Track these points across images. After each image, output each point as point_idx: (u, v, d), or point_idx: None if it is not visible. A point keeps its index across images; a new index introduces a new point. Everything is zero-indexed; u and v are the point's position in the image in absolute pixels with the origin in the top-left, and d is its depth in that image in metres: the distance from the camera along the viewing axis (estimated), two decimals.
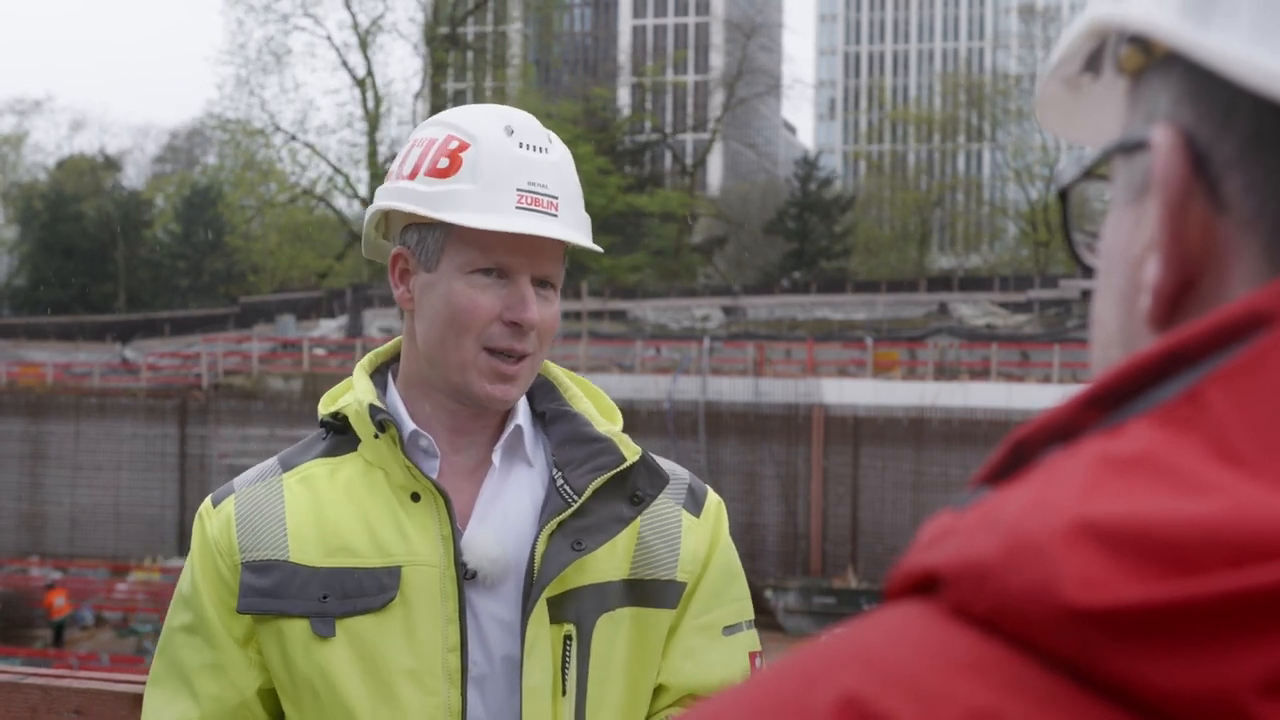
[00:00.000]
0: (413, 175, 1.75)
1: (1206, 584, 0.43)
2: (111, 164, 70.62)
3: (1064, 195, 0.62)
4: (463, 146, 1.73)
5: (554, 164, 1.75)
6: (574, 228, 1.74)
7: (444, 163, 1.73)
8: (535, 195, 1.71)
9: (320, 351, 36.54)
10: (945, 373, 32.76)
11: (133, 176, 74.59)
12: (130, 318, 56.04)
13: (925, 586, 0.50)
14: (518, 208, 1.70)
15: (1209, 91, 0.52)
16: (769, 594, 25.34)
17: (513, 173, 1.71)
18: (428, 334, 1.75)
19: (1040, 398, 26.08)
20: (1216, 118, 0.52)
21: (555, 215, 1.72)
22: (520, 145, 1.73)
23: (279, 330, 43.95)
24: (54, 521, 31.41)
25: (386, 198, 1.77)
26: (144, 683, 2.23)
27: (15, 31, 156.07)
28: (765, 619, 24.85)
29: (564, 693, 1.71)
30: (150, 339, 49.30)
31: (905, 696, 0.46)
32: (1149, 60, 0.55)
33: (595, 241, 1.80)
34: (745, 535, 27.36)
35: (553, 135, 1.78)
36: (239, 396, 32.11)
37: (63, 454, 31.71)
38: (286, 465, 1.82)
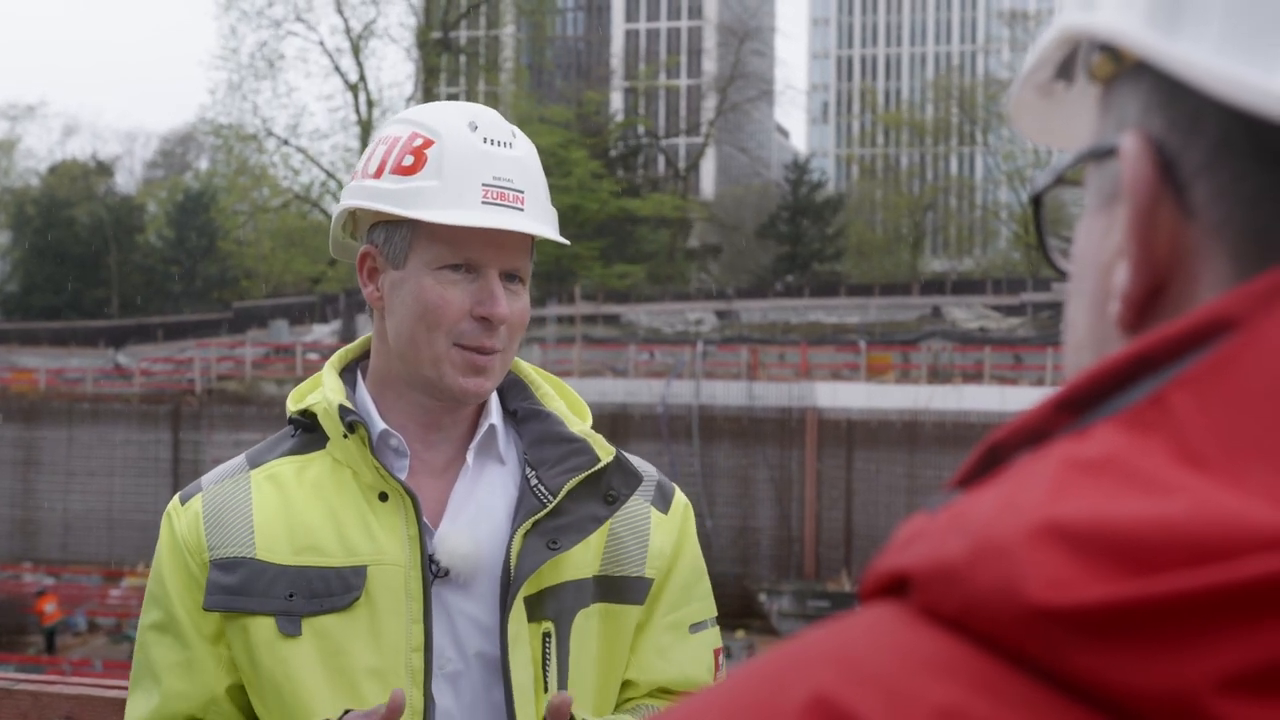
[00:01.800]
0: (378, 174, 1.76)
1: (1166, 583, 0.44)
2: (104, 169, 70.45)
3: (1038, 200, 0.63)
4: (427, 143, 1.74)
5: (518, 158, 1.75)
6: (540, 221, 1.75)
7: (409, 160, 1.73)
8: (501, 190, 1.72)
9: (314, 356, 36.49)
10: (939, 376, 32.81)
11: (125, 182, 74.48)
12: (123, 323, 55.92)
13: (897, 588, 0.51)
14: (483, 202, 1.70)
15: (1177, 99, 0.52)
16: (763, 597, 25.33)
17: (477, 168, 1.71)
18: (398, 331, 1.75)
19: (1033, 400, 26.06)
20: (1184, 125, 0.52)
21: (521, 209, 1.72)
22: (485, 140, 1.73)
23: (272, 335, 43.90)
24: (47, 527, 31.35)
25: (352, 197, 1.78)
26: None
27: (6, 34, 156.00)
28: (759, 622, 24.82)
29: (545, 689, 1.72)
30: (143, 344, 49.19)
31: (874, 696, 0.46)
32: (1119, 68, 0.56)
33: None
34: (739, 539, 27.36)
35: (517, 130, 1.79)
36: (232, 401, 32.08)
37: (55, 460, 31.65)
38: (254, 462, 1.82)
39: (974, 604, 0.47)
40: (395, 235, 1.74)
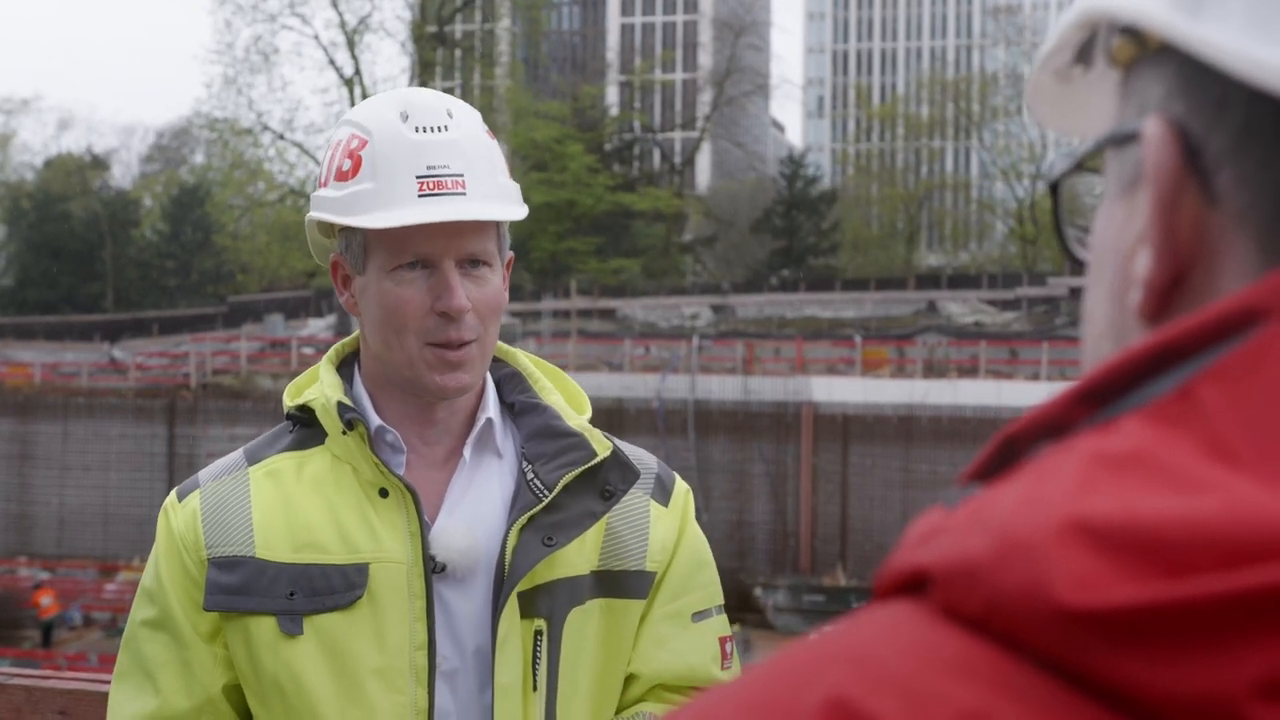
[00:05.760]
0: (325, 182, 1.75)
1: (1200, 585, 0.42)
2: (99, 163, 70.30)
3: (1055, 188, 0.62)
4: (361, 144, 1.71)
5: (454, 141, 1.70)
6: (487, 201, 1.69)
7: (346, 165, 1.72)
8: (437, 179, 1.67)
9: (309, 351, 36.48)
10: (934, 370, 32.83)
11: (120, 176, 74.26)
12: (118, 317, 55.88)
13: (915, 585, 0.50)
14: (420, 195, 1.66)
15: (1202, 84, 0.51)
16: (759, 592, 25.36)
17: (410, 161, 1.68)
18: (372, 336, 1.74)
19: (1029, 395, 26.13)
20: (1209, 110, 0.51)
21: (463, 193, 1.68)
22: (416, 129, 1.69)
23: (267, 329, 43.89)
24: (42, 522, 31.33)
25: (312, 207, 1.77)
26: None
27: (1, 29, 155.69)
28: (755, 617, 24.84)
29: (534, 688, 1.70)
30: (138, 338, 49.15)
31: (894, 697, 0.45)
32: (1141, 52, 0.55)
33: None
34: (735, 533, 27.37)
35: (454, 109, 1.73)
36: (227, 396, 32.08)
37: (51, 454, 31.63)
38: (253, 459, 1.80)
39: (998, 604, 0.46)
40: (352, 242, 1.73)
